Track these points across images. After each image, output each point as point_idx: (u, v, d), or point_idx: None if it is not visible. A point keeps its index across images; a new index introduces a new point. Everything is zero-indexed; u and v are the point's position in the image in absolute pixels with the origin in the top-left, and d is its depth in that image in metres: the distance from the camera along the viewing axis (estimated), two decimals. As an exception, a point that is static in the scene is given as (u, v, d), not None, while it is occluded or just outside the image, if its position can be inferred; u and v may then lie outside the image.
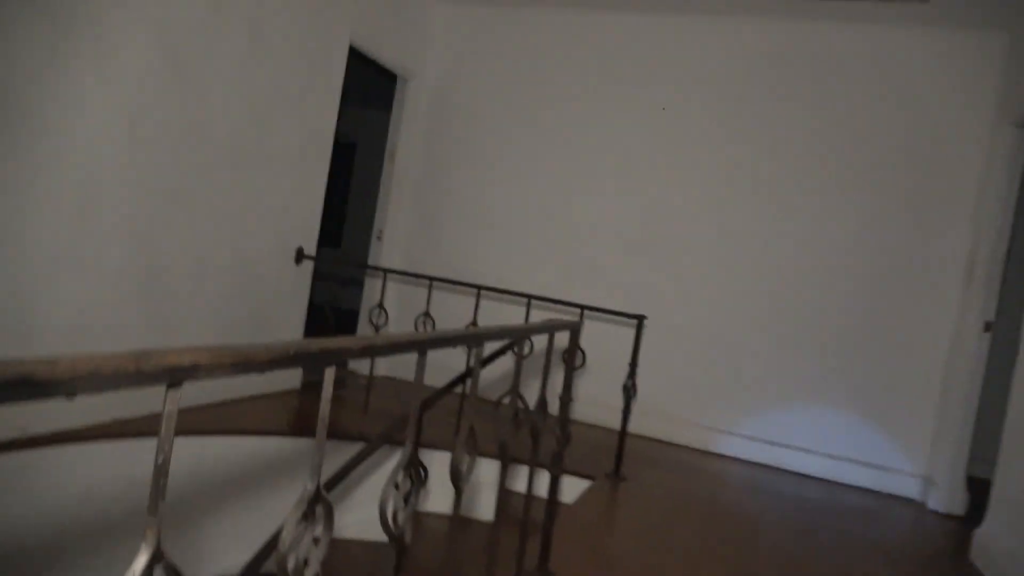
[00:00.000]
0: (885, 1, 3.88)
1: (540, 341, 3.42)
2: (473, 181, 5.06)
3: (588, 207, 4.78)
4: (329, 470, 2.63)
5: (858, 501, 3.87)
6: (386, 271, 4.07)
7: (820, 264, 4.30)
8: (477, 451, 1.66)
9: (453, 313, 4.18)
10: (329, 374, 0.98)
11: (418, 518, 3.02)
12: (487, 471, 2.90)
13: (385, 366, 4.85)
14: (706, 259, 4.53)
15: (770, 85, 4.43)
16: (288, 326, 4.16)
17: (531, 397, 2.02)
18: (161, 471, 0.72)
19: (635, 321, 3.52)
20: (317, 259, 4.23)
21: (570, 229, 4.81)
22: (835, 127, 4.30)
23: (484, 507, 3.21)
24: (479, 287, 3.71)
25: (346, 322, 5.31)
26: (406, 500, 1.26)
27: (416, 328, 3.84)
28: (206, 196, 3.40)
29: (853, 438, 4.18)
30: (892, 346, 4.15)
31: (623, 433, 3.52)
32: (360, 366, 4.79)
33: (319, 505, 0.94)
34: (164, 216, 3.19)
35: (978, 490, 4.00)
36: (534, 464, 2.13)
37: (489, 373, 4.68)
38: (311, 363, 0.92)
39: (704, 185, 4.55)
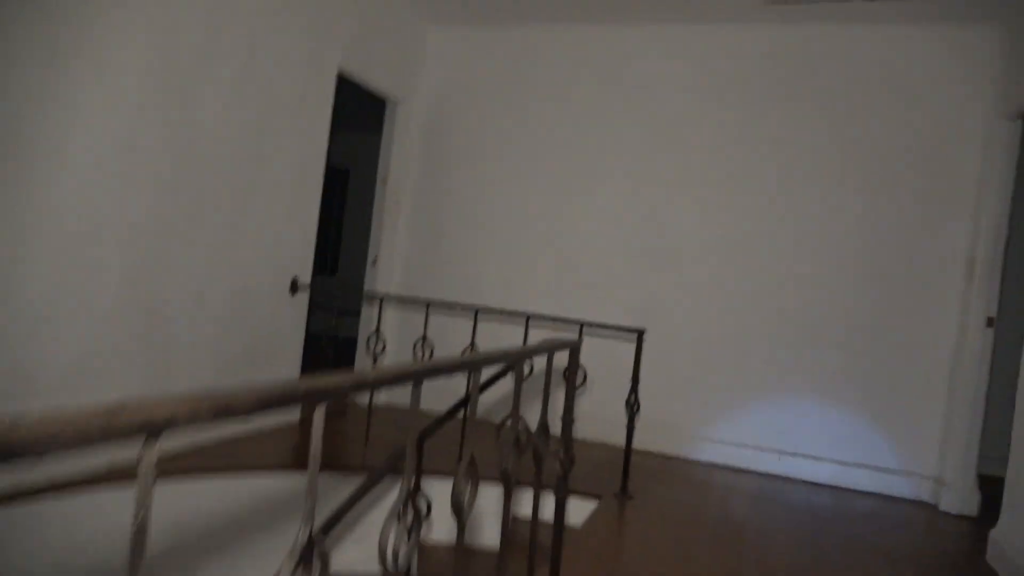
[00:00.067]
0: (878, 0, 3.89)
1: (540, 360, 3.39)
2: (468, 201, 5.05)
3: (586, 221, 4.76)
4: (331, 505, 2.58)
5: (870, 507, 3.82)
6: (382, 298, 4.04)
7: (821, 268, 4.28)
8: (479, 479, 1.62)
9: (453, 335, 4.15)
10: (319, 414, 0.94)
11: (422, 549, 2.97)
12: (491, 497, 2.85)
13: (385, 393, 4.81)
14: (706, 268, 4.50)
15: (767, 90, 4.43)
16: (286, 358, 4.12)
17: (533, 418, 1.99)
18: (141, 529, 0.69)
19: (635, 335, 3.49)
20: (312, 288, 4.20)
21: (569, 243, 4.79)
22: (834, 129, 4.29)
23: (489, 534, 3.15)
24: (477, 309, 3.68)
25: (345, 351, 5.27)
26: (409, 534, 1.22)
27: (414, 353, 3.80)
28: (199, 230, 3.38)
29: (861, 442, 4.13)
30: (896, 347, 4.12)
31: (628, 450, 3.47)
32: (360, 395, 4.75)
33: (314, 553, 0.91)
34: (158, 252, 3.17)
35: (989, 488, 3.95)
36: (539, 488, 2.09)
37: (491, 394, 4.65)
38: (298, 404, 0.88)
39: (701, 193, 4.54)
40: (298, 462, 3.54)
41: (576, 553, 2.62)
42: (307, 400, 0.89)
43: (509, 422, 1.95)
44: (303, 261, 4.18)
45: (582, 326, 3.40)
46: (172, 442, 3.16)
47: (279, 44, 3.76)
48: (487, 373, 2.40)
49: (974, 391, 3.80)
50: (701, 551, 2.91)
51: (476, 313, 3.64)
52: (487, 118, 5.04)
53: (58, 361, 2.77)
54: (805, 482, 4.15)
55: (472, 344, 3.54)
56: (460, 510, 1.43)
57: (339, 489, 3.26)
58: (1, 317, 2.57)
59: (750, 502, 3.71)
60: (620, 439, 3.61)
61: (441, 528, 3.02)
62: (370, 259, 5.12)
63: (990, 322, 3.80)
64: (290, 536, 1.02)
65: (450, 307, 4.02)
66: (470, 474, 1.55)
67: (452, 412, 2.69)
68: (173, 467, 3.05)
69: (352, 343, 5.23)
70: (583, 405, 4.26)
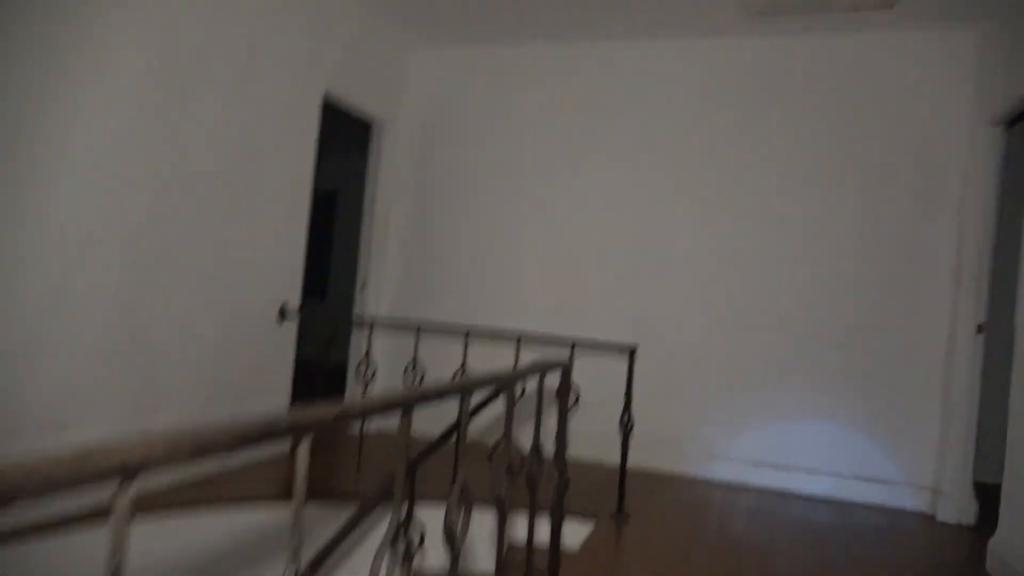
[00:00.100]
0: (854, 12, 3.93)
1: (533, 380, 3.36)
2: (457, 221, 5.04)
3: (575, 237, 4.76)
4: (324, 535, 2.54)
5: (868, 519, 3.79)
6: (371, 322, 4.01)
7: (812, 279, 4.28)
8: (473, 504, 1.60)
9: (444, 357, 4.11)
10: (303, 449, 0.92)
11: (419, 577, 2.91)
12: (486, 523, 2.81)
13: (377, 419, 4.76)
14: (697, 283, 4.50)
15: (753, 101, 4.45)
16: (275, 386, 4.08)
17: (526, 439, 1.96)
18: (115, 574, 0.66)
19: (627, 352, 3.47)
20: (301, 314, 4.17)
21: (559, 261, 4.78)
22: (819, 140, 4.31)
23: (485, 561, 3.10)
24: (467, 331, 3.65)
25: (335, 376, 5.22)
26: (402, 566, 1.20)
27: (405, 378, 3.76)
28: (185, 258, 3.36)
29: (858, 454, 4.12)
30: (889, 357, 4.12)
31: (623, 470, 3.44)
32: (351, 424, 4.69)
33: (299, 591, 0.88)
34: (144, 280, 3.14)
35: (985, 496, 3.94)
36: (534, 512, 2.06)
37: (484, 415, 4.60)
38: (281, 438, 0.86)
39: (690, 207, 4.55)
40: (291, 493, 3.49)
41: (573, 577, 2.58)
42: (289, 435, 0.87)
43: (501, 446, 1.93)
44: (292, 287, 4.15)
45: (574, 345, 3.38)
46: (158, 478, 3.11)
47: (265, 71, 3.76)
48: (478, 397, 2.38)
49: (967, 399, 3.80)
50: (700, 571, 2.88)
51: (467, 335, 3.62)
52: (473, 137, 5.05)
53: (46, 392, 2.72)
54: (803, 496, 4.12)
55: (463, 367, 3.51)
56: (453, 540, 1.40)
57: (332, 519, 3.21)
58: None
59: (748, 518, 3.68)
60: (615, 458, 3.58)
61: (435, 555, 2.98)
62: (359, 283, 5.09)
63: (980, 329, 3.80)
64: (281, 572, 0.99)
65: (441, 330, 3.99)
66: (463, 502, 1.53)
67: (443, 438, 2.65)
68: (158, 503, 3.00)
69: (343, 368, 5.19)
70: (576, 424, 4.23)
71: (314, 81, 4.19)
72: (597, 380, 4.09)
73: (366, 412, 1.07)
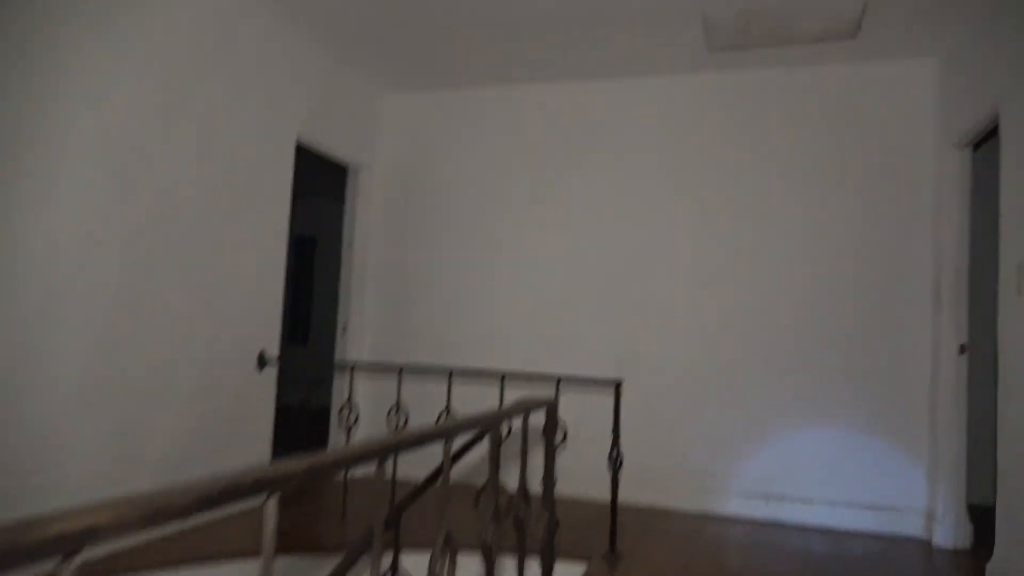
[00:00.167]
0: (818, 42, 3.99)
1: (519, 419, 3.30)
2: (435, 262, 5.02)
3: (554, 273, 4.74)
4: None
5: (865, 547, 3.73)
6: (353, 366, 3.94)
7: (796, 307, 4.28)
8: (458, 552, 1.54)
9: (428, 399, 4.04)
10: (271, 506, 0.87)
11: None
12: (473, 569, 2.72)
13: (362, 465, 4.66)
14: (680, 314, 4.49)
15: (723, 134, 4.49)
16: (256, 433, 3.99)
17: (514, 479, 1.91)
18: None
19: (613, 386, 3.43)
20: (280, 361, 4.10)
21: (539, 297, 4.76)
22: (797, 169, 4.34)
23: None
24: (450, 371, 3.60)
25: (318, 422, 5.13)
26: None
27: (388, 421, 3.69)
28: (162, 305, 3.29)
29: (851, 481, 4.07)
30: (876, 382, 4.11)
31: (614, 507, 3.36)
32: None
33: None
34: (122, 327, 3.07)
35: (979, 519, 3.90)
36: (523, 556, 1.99)
37: (470, 456, 4.51)
38: (246, 497, 0.81)
39: (667, 238, 4.55)
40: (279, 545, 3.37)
41: (567, 622, 2.49)
42: (255, 494, 0.82)
43: (488, 491, 1.87)
44: (271, 334, 4.08)
45: (559, 381, 3.33)
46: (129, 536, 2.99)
47: (237, 118, 3.75)
48: (462, 439, 2.32)
49: (955, 421, 3.78)
50: (697, 608, 2.79)
51: (450, 375, 3.56)
52: (448, 179, 5.05)
53: (18, 442, 2.63)
54: (797, 526, 4.06)
55: (447, 408, 3.45)
56: (437, 592, 1.34)
57: (318, 569, 3.11)
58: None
59: (745, 552, 3.61)
60: (605, 494, 3.51)
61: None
62: (340, 327, 5.03)
63: (962, 349, 3.81)
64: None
65: (423, 371, 3.93)
66: (447, 550, 1.47)
67: (427, 484, 2.58)
68: (136, 562, 2.89)
69: (326, 413, 5.09)
70: (564, 461, 4.16)
71: (287, 127, 4.18)
72: (584, 415, 4.04)
73: (339, 464, 1.02)
